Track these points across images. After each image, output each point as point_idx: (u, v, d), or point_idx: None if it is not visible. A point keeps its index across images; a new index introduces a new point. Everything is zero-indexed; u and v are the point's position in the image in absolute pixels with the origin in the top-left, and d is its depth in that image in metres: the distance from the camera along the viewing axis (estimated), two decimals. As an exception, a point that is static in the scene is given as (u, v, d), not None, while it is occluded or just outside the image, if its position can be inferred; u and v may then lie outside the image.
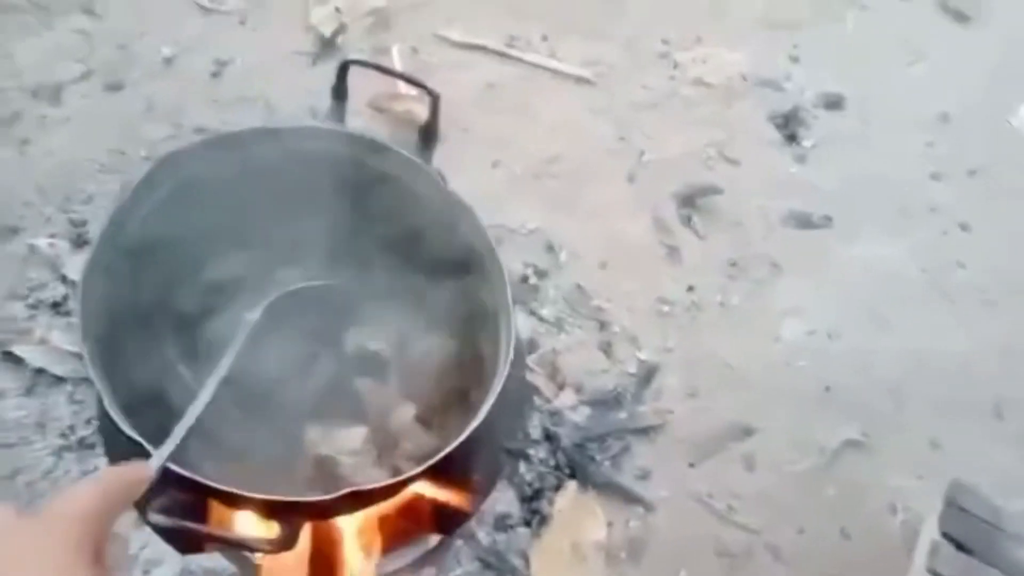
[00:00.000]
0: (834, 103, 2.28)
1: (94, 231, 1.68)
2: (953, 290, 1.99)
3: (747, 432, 1.68)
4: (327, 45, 2.15)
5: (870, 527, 1.61)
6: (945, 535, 1.46)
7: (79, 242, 1.71)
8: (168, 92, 1.97)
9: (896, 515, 1.62)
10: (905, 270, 2.00)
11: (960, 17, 2.59)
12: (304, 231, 1.09)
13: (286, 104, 1.97)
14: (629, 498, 1.56)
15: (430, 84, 1.10)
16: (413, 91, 2.08)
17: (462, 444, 0.90)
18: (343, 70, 1.09)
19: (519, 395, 1.44)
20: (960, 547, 1.45)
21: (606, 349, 1.74)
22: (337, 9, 2.22)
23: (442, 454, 0.86)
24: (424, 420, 1.07)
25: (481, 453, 1.07)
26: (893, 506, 1.64)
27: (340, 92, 1.10)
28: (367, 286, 1.12)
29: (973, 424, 1.77)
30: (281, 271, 1.10)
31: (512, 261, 1.81)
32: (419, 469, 0.86)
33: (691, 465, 1.62)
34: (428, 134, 1.07)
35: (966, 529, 1.47)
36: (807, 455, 1.68)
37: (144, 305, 1.00)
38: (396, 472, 0.98)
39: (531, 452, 1.56)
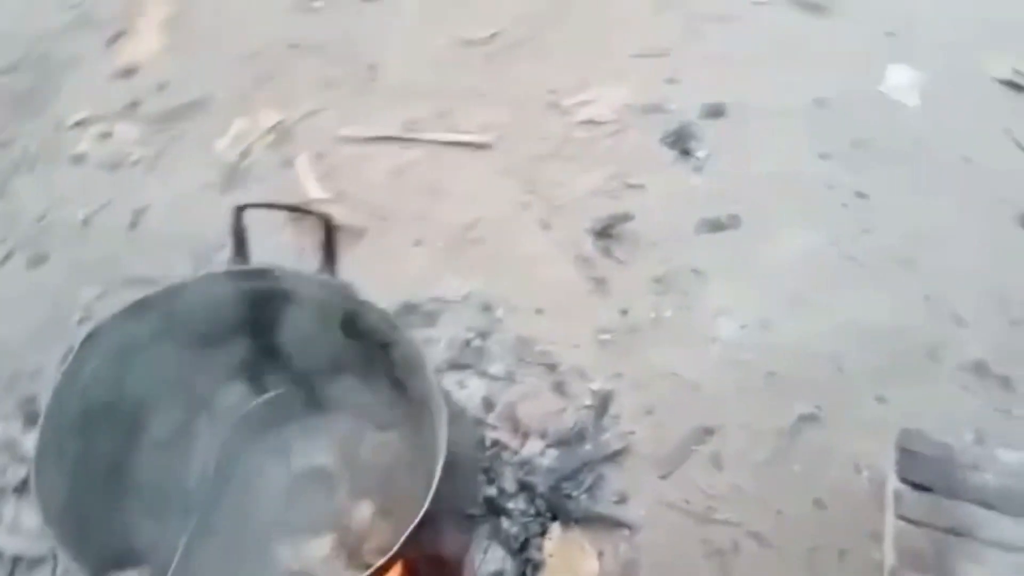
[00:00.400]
0: (716, 112, 2.44)
1: (44, 405, 1.73)
2: (865, 255, 2.11)
3: (708, 433, 1.76)
4: (234, 171, 2.24)
5: (840, 491, 1.68)
6: (905, 481, 1.55)
7: (32, 418, 1.74)
8: (91, 253, 2.04)
9: (861, 474, 1.71)
10: (817, 247, 2.12)
11: (815, 9, 2.79)
12: (236, 365, 1.16)
13: (206, 237, 2.04)
14: (612, 524, 1.62)
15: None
16: (326, 194, 2.20)
17: (419, 526, 0.97)
18: (238, 215, 1.18)
19: (471, 464, 1.50)
20: (921, 488, 1.54)
21: (559, 389, 1.81)
22: (237, 135, 2.33)
23: (396, 546, 0.93)
24: (386, 512, 1.13)
25: (445, 527, 1.13)
26: (857, 466, 1.72)
27: (239, 234, 1.17)
28: (306, 402, 1.18)
29: (912, 372, 1.88)
30: (222, 406, 1.16)
31: (453, 328, 1.89)
32: (379, 563, 0.92)
33: (663, 477, 1.69)
34: (328, 251, 1.16)
35: (922, 471, 1.56)
36: (768, 440, 1.76)
37: (101, 470, 1.05)
38: (368, 568, 1.03)
39: (510, 506, 1.61)
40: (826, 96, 2.49)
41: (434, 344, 1.82)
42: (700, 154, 2.32)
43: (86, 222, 2.13)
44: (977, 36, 2.66)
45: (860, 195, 2.25)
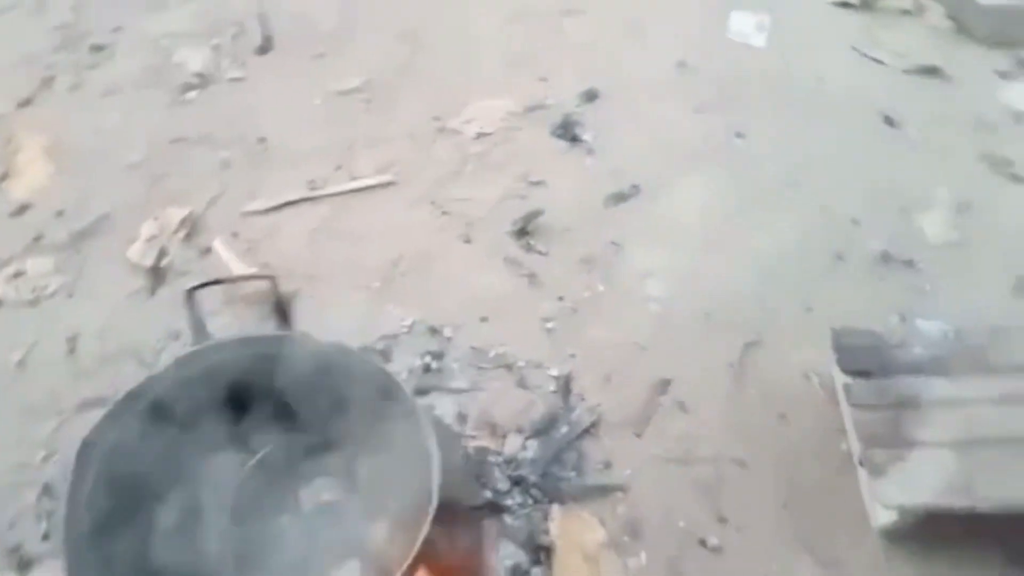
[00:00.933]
0: (592, 96, 2.59)
1: (31, 548, 1.72)
2: (758, 187, 2.28)
3: (666, 384, 1.88)
4: (157, 273, 2.26)
5: (798, 401, 1.82)
6: (848, 373, 1.70)
7: (24, 564, 1.73)
8: (35, 390, 2.03)
9: (811, 380, 1.85)
10: (714, 192, 2.28)
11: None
12: (222, 436, 1.21)
13: (147, 342, 2.06)
14: (606, 491, 1.71)
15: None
16: (251, 269, 2.25)
17: (431, 530, 1.04)
18: (189, 297, 1.23)
19: (462, 464, 1.57)
20: (863, 375, 1.69)
21: (523, 384, 1.90)
22: (148, 239, 2.35)
23: (411, 558, 1.00)
24: (402, 525, 1.19)
25: (456, 525, 1.20)
26: (806, 375, 1.86)
27: (195, 315, 1.23)
28: (296, 449, 1.24)
29: (829, 277, 2.04)
30: (219, 478, 1.21)
31: (408, 358, 1.96)
32: (404, 567, 1.00)
33: (638, 435, 1.80)
34: (281, 310, 1.23)
35: (860, 360, 1.71)
36: (721, 374, 1.89)
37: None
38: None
39: (508, 503, 1.69)
40: (684, 58, 2.67)
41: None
42: (588, 137, 2.46)
43: (21, 363, 2.12)
44: (800, -31, 2.90)
45: (739, 135, 2.43)
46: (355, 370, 1.23)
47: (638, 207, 2.27)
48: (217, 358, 1.20)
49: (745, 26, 2.80)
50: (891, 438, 1.59)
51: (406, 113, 2.64)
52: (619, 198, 2.29)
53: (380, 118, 2.64)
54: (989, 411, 1.59)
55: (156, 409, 1.16)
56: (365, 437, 1.27)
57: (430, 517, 1.08)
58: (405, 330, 2.04)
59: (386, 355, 1.97)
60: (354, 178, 2.46)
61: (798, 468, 1.74)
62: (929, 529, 1.55)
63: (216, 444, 1.21)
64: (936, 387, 1.65)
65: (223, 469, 1.22)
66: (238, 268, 2.20)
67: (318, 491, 1.21)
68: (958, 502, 1.48)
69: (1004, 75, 2.60)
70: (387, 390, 1.23)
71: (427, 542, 1.07)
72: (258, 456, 1.22)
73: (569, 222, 2.24)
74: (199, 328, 1.24)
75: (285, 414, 1.25)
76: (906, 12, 2.86)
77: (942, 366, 1.68)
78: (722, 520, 1.66)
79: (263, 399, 1.22)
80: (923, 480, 1.50)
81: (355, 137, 2.58)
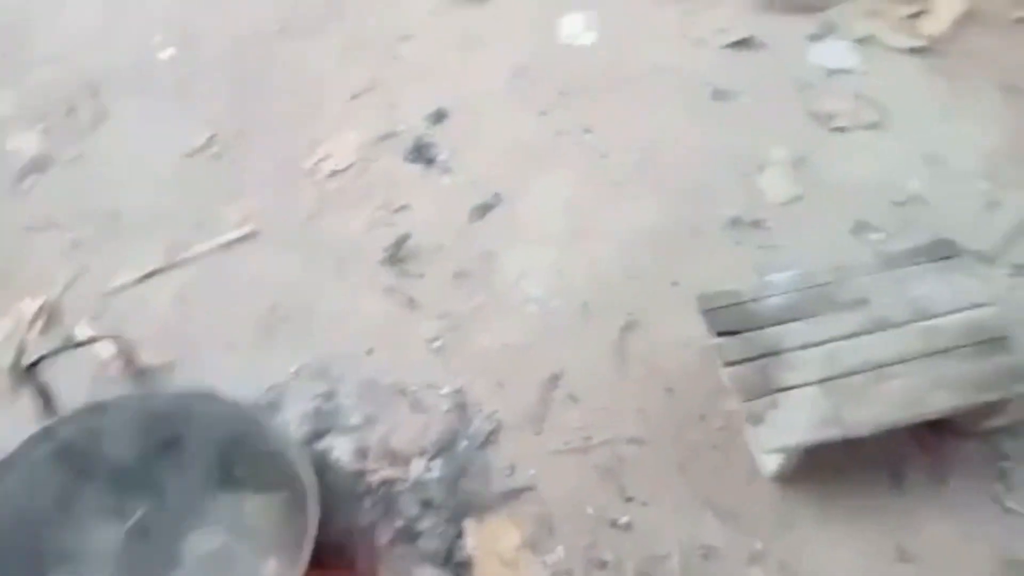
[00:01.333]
0: (440, 117, 2.63)
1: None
2: (612, 176, 2.38)
3: (556, 379, 1.93)
4: (18, 370, 2.15)
5: (681, 371, 1.91)
6: (719, 334, 1.79)
7: None
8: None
9: (689, 348, 1.94)
10: (572, 188, 2.36)
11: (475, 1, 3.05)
12: (91, 508, 1.17)
13: (14, 437, 1.96)
14: (513, 494, 1.75)
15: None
16: (118, 347, 2.16)
17: (329, 560, 1.05)
18: (30, 373, 1.19)
19: (351, 492, 1.57)
20: (732, 333, 1.79)
21: (418, 408, 1.91)
22: (5, 337, 2.23)
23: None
24: (291, 560, 1.19)
25: (357, 552, 1.21)
26: (684, 343, 1.95)
27: (41, 391, 1.19)
28: (173, 503, 1.22)
29: (688, 250, 2.15)
30: (97, 550, 1.17)
31: (299, 404, 1.94)
32: None
33: (537, 434, 1.84)
34: (135, 369, 1.20)
35: (725, 320, 1.81)
36: (605, 359, 1.95)
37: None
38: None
39: (421, 527, 1.70)
40: (521, 64, 2.76)
41: (287, 426, 1.86)
42: (442, 157, 2.50)
43: None
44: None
45: (586, 130, 2.52)
46: (219, 413, 1.22)
47: (502, 215, 2.32)
48: (69, 430, 1.16)
49: (574, 28, 2.91)
50: (764, 387, 1.68)
51: (258, 161, 2.61)
52: (483, 209, 2.34)
53: (232, 171, 2.60)
54: (844, 344, 1.71)
55: (9, 497, 1.12)
56: (242, 479, 1.26)
57: (308, 546, 1.08)
58: (292, 376, 2.01)
59: (276, 405, 1.94)
60: (215, 236, 2.41)
61: (690, 434, 1.82)
62: (816, 466, 1.66)
63: (88, 517, 1.17)
64: (794, 332, 1.76)
65: (100, 540, 1.18)
66: (105, 348, 2.12)
67: (202, 541, 1.19)
68: (832, 433, 1.59)
69: (813, 37, 2.79)
70: (256, 427, 1.22)
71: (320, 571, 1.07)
72: (132, 520, 1.19)
73: (439, 241, 2.27)
74: (47, 403, 1.20)
75: (155, 472, 1.22)
76: (718, -7, 3.03)
77: (797, 311, 1.80)
78: (628, 499, 1.72)
79: (127, 461, 1.19)
80: (797, 420, 1.60)
81: (210, 194, 2.53)
